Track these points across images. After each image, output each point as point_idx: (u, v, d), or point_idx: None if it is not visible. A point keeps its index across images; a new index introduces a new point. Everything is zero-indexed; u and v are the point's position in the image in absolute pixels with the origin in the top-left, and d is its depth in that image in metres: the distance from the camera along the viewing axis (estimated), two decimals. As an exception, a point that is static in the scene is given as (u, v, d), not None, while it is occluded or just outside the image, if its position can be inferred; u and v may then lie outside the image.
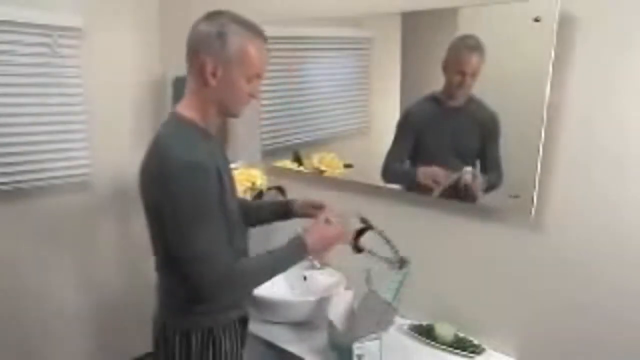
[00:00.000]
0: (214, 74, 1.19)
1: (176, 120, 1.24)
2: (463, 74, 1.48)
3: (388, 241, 1.46)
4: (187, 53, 1.23)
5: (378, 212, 1.49)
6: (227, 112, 1.28)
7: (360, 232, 1.47)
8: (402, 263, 1.46)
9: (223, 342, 1.32)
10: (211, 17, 1.21)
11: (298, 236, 1.31)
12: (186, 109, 1.24)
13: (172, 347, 1.29)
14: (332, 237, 1.35)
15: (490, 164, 1.52)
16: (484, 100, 1.47)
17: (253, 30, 1.22)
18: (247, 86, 1.23)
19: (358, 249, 1.46)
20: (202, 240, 1.16)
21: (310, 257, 1.34)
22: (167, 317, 1.31)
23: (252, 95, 1.26)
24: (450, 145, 1.60)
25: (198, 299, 1.24)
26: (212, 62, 1.18)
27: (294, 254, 1.30)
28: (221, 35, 1.17)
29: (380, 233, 1.46)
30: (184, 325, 1.28)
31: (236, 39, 1.18)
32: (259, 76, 1.25)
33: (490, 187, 1.52)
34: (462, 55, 1.48)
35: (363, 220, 1.47)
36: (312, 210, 1.47)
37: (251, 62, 1.20)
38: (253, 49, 1.20)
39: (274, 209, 1.56)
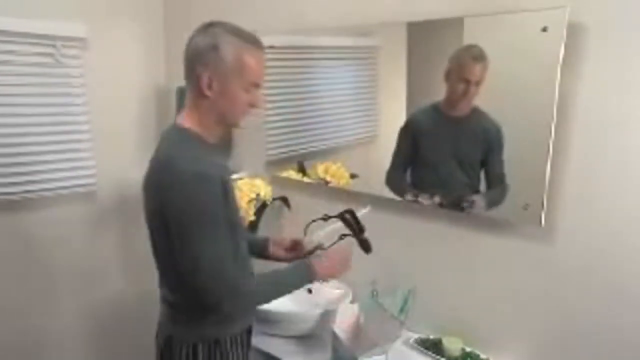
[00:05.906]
0: (209, 86, 1.19)
1: (178, 131, 1.24)
2: (467, 82, 1.46)
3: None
4: (184, 65, 1.23)
5: (383, 223, 1.48)
6: (226, 122, 1.27)
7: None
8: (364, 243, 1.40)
9: (230, 353, 1.31)
10: (205, 29, 1.20)
11: (305, 262, 1.34)
12: (186, 120, 1.24)
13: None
14: (341, 266, 1.38)
15: (493, 177, 1.50)
16: (491, 111, 1.45)
17: (248, 39, 1.20)
18: (246, 96, 1.22)
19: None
20: (209, 252, 1.15)
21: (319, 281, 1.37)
22: (173, 331, 1.30)
23: (252, 105, 1.25)
24: (452, 155, 1.58)
25: (204, 312, 1.23)
26: (208, 74, 1.18)
27: (302, 277, 1.31)
28: (215, 47, 1.17)
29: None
30: (190, 338, 1.27)
31: (230, 49, 1.17)
32: (257, 85, 1.24)
33: (493, 202, 1.49)
34: (465, 64, 1.47)
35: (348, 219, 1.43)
36: (282, 252, 1.48)
37: (247, 72, 1.19)
38: (248, 59, 1.19)
39: (254, 243, 1.51)
